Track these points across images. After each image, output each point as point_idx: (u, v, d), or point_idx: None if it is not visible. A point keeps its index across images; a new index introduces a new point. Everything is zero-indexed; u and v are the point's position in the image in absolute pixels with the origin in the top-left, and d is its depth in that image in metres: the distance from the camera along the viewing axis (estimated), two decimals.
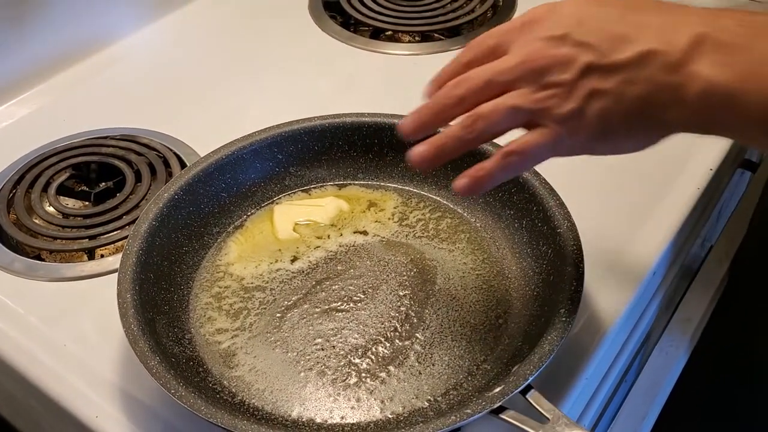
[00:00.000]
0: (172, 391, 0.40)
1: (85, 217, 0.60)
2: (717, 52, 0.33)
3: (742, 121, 0.34)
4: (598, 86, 0.36)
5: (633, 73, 0.35)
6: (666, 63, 0.34)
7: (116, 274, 0.47)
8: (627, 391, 0.64)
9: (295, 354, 0.47)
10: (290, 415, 0.44)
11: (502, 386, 0.40)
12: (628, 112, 0.36)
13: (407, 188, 0.58)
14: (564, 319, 0.43)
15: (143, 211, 0.51)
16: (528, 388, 0.41)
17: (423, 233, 0.55)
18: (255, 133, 0.57)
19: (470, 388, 0.45)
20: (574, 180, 0.60)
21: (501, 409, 0.40)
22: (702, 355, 0.72)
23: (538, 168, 0.52)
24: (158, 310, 0.48)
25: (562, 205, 0.50)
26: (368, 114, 0.58)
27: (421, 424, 0.39)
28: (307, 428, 0.44)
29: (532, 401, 0.41)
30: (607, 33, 0.36)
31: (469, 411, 0.39)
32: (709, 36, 0.34)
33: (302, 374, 0.46)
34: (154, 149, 0.65)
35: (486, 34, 0.40)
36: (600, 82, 0.36)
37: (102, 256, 0.57)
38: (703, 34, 0.34)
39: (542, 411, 0.40)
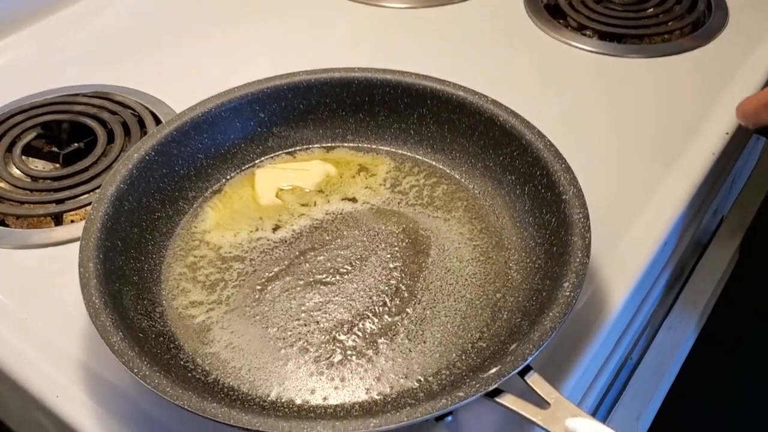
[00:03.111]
0: (135, 370, 0.36)
1: (54, 179, 0.56)
2: None
3: None
4: None
5: None
6: None
7: None
8: (631, 370, 0.61)
9: (275, 329, 0.44)
10: (268, 396, 0.41)
11: (498, 367, 0.36)
12: None
13: (401, 152, 0.54)
14: (568, 293, 0.39)
15: (111, 172, 0.47)
16: (527, 369, 0.37)
17: (417, 201, 0.51)
18: (235, 88, 0.52)
19: (464, 368, 0.41)
20: (582, 143, 0.56)
21: (496, 392, 0.36)
22: (712, 333, 0.68)
23: (542, 128, 0.48)
24: (126, 281, 0.44)
25: (568, 169, 0.46)
26: (359, 69, 0.53)
27: (408, 408, 0.35)
28: (286, 410, 0.40)
29: (531, 384, 0.37)
30: None
31: (461, 394, 0.35)
32: None
33: (283, 351, 0.43)
34: (128, 107, 0.61)
35: None
36: None
37: (72, 221, 0.53)
38: None
39: (542, 395, 0.36)
